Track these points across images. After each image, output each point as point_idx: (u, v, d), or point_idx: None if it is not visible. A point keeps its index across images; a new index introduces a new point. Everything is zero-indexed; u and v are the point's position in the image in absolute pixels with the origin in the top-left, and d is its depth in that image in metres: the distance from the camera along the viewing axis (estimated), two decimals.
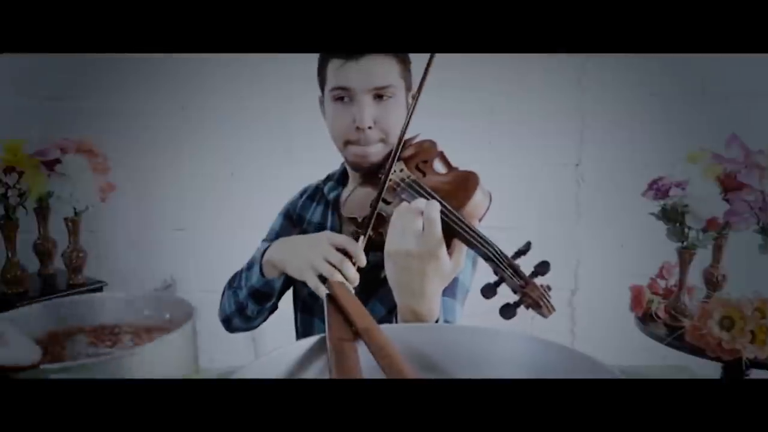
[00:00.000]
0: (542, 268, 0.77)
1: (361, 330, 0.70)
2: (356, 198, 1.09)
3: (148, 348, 0.72)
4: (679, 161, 1.39)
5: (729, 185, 1.34)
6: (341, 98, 1.06)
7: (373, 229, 0.97)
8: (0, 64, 2.00)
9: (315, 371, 0.69)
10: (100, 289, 1.92)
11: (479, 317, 0.90)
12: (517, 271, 0.78)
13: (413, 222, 0.84)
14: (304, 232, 1.22)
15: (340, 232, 1.15)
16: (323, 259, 0.93)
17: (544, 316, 0.77)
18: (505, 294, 0.79)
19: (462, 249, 0.88)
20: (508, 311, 0.77)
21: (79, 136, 1.86)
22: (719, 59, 2.04)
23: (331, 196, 1.21)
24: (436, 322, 0.91)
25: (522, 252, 0.80)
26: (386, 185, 0.98)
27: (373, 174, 1.10)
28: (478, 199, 0.91)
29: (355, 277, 0.93)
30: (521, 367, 0.69)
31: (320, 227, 1.20)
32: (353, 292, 0.88)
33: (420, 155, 1.07)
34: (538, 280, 0.77)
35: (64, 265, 1.89)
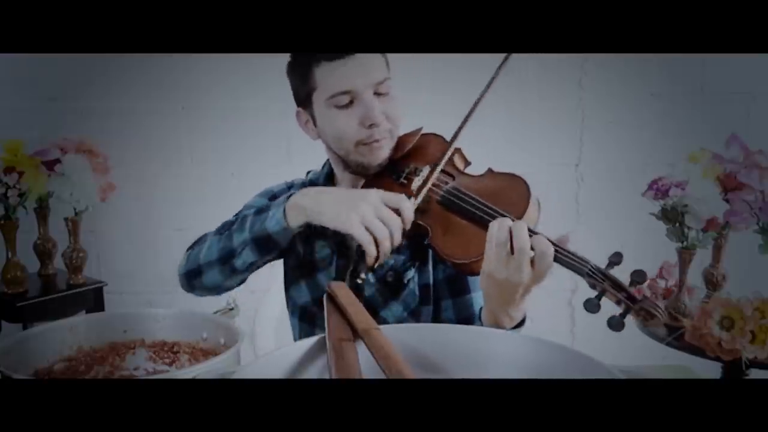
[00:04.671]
0: (639, 277, 0.76)
1: (361, 331, 0.70)
2: None
3: (200, 370, 0.73)
4: (679, 161, 1.39)
5: (729, 185, 1.34)
6: (345, 103, 1.02)
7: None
8: (0, 64, 2.00)
9: (315, 371, 0.69)
10: (100, 290, 1.92)
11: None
12: (618, 284, 0.77)
13: (525, 256, 0.81)
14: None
15: (342, 241, 1.10)
16: (374, 215, 0.88)
17: (657, 325, 0.75)
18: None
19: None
20: (616, 324, 0.75)
21: (79, 136, 1.86)
22: (719, 59, 2.04)
23: None
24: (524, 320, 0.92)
25: (615, 263, 0.79)
26: (424, 192, 0.95)
27: (381, 174, 1.06)
28: (532, 209, 0.89)
29: (398, 243, 0.89)
30: (521, 367, 0.69)
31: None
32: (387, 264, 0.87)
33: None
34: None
35: (64, 265, 1.89)
